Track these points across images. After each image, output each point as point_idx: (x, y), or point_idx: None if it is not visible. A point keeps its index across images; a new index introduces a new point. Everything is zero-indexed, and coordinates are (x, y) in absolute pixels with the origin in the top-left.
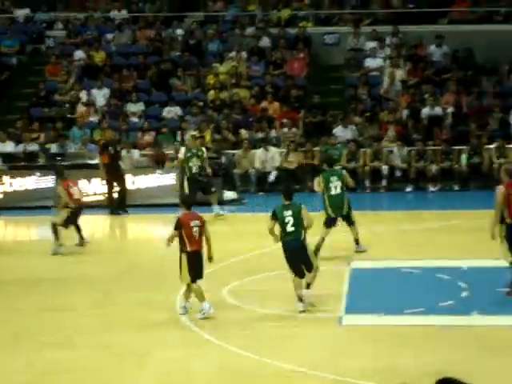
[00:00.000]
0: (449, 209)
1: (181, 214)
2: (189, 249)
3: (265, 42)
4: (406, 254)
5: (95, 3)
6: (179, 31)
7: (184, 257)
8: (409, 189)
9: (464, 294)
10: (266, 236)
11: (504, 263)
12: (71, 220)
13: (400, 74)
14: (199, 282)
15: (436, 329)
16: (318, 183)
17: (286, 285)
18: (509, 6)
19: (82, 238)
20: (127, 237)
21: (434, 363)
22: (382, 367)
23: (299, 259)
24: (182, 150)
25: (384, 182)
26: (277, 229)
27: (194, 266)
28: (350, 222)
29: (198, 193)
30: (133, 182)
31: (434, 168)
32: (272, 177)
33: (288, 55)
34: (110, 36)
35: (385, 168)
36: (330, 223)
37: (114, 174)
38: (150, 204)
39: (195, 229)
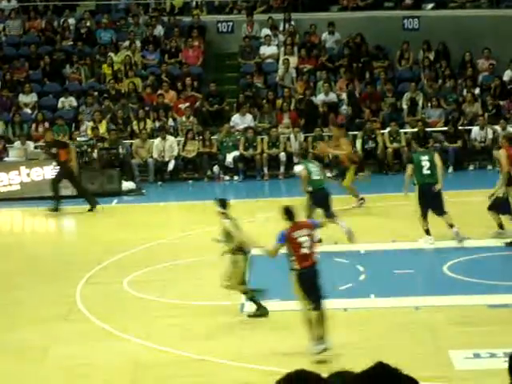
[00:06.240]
0: (345, 194)
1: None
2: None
3: (159, 30)
4: None
5: None
6: (71, 20)
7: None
8: None
9: (362, 276)
10: (166, 226)
11: (397, 246)
12: None
13: (294, 61)
14: None
15: (335, 311)
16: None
17: (186, 275)
18: None
19: None
20: (24, 231)
21: (334, 345)
22: (284, 351)
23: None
24: None
25: (282, 169)
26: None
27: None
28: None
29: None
30: (28, 174)
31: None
32: (171, 166)
33: (183, 44)
34: None
35: (283, 155)
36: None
37: None
38: (45, 196)
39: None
